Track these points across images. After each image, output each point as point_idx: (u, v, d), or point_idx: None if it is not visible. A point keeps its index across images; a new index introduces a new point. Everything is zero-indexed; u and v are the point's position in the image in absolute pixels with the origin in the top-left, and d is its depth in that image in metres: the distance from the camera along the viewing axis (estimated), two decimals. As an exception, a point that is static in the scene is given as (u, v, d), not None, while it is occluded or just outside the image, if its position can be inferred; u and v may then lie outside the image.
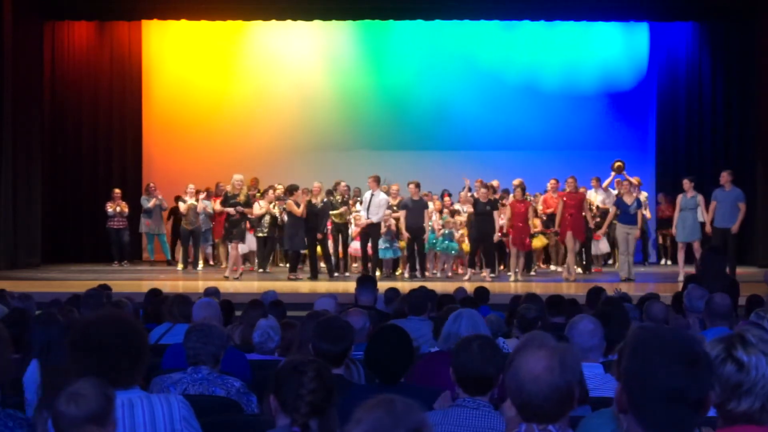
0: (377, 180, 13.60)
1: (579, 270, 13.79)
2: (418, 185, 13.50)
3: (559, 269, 14.60)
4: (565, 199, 13.31)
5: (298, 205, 13.23)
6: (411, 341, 3.91)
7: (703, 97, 16.76)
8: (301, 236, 13.27)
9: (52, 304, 6.80)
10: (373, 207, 13.35)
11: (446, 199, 14.71)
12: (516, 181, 13.79)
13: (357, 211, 14.07)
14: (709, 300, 5.45)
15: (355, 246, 14.23)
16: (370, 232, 13.44)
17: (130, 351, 2.94)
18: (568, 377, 2.21)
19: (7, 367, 3.81)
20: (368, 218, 13.36)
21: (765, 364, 2.06)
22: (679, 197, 12.86)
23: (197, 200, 14.83)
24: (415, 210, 13.32)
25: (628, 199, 13.06)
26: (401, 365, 3.78)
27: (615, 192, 14.33)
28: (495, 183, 14.24)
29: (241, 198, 13.44)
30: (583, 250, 14.36)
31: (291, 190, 13.57)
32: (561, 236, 13.58)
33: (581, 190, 13.81)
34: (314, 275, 13.45)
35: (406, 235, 13.31)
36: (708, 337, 3.89)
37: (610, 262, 15.82)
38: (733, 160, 15.77)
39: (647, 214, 15.33)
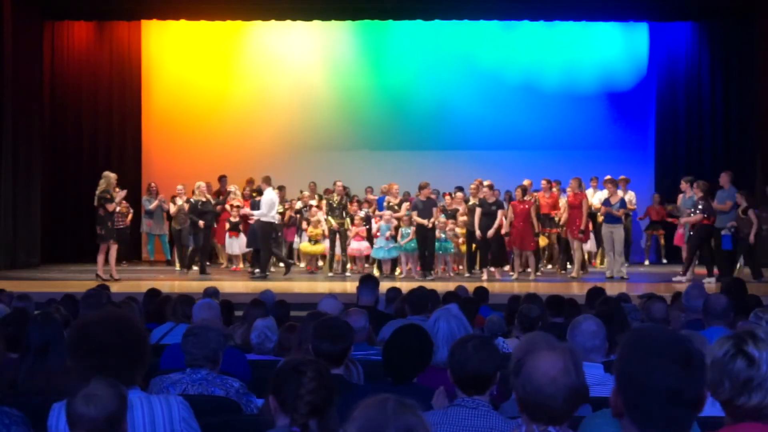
0: (268, 180, 13.67)
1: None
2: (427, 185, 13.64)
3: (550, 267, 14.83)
4: (569, 199, 13.57)
5: None
6: (431, 343, 3.90)
7: (703, 97, 16.76)
8: (263, 236, 13.64)
9: (48, 303, 6.78)
10: (263, 206, 13.49)
11: (446, 198, 14.63)
12: (525, 183, 13.90)
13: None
14: (706, 300, 5.47)
15: (354, 246, 14.23)
16: (259, 230, 13.52)
17: (130, 351, 2.93)
18: (582, 377, 2.25)
19: (4, 367, 3.82)
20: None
21: None
22: (680, 198, 12.98)
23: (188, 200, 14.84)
24: (426, 209, 13.40)
25: (613, 199, 13.35)
26: (417, 366, 3.78)
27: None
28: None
29: (110, 196, 13.18)
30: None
31: (259, 191, 13.79)
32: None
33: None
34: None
35: (428, 223, 13.32)
36: (707, 336, 3.89)
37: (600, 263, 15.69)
38: (733, 160, 15.77)
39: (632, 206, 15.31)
